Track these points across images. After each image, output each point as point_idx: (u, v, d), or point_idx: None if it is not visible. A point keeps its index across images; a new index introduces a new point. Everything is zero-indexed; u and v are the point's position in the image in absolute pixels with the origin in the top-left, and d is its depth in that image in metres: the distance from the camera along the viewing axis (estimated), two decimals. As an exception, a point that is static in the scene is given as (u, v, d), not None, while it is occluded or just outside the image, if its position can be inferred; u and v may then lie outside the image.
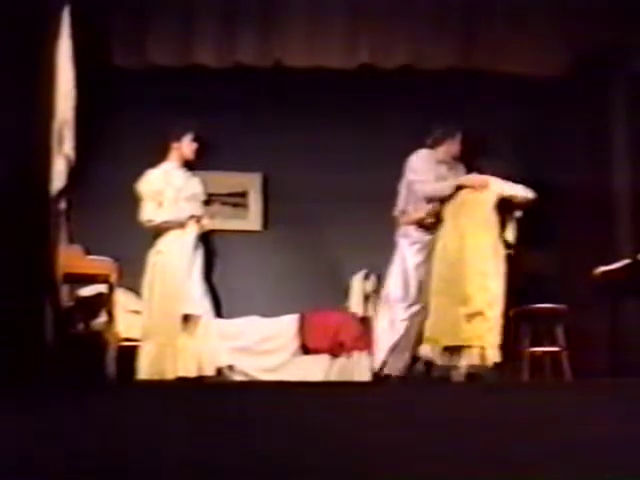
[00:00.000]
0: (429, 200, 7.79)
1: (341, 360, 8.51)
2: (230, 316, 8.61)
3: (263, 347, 8.52)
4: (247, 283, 8.97)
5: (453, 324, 7.31)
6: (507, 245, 7.49)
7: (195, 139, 7.93)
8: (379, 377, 7.82)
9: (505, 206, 7.48)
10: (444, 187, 7.73)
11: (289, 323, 8.61)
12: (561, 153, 8.63)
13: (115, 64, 7.98)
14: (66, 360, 6.02)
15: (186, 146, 7.92)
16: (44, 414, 3.76)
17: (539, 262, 7.69)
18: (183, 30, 7.97)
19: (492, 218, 7.41)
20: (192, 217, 7.78)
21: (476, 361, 7.26)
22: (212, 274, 8.33)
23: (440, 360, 7.40)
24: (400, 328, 7.79)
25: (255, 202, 9.36)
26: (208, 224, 7.94)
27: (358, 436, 2.91)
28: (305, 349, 8.55)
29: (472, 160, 8.10)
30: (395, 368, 7.80)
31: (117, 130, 8.71)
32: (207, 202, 8.15)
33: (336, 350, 8.51)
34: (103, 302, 7.51)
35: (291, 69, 8.19)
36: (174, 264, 7.63)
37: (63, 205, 6.79)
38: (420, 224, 7.91)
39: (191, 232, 7.76)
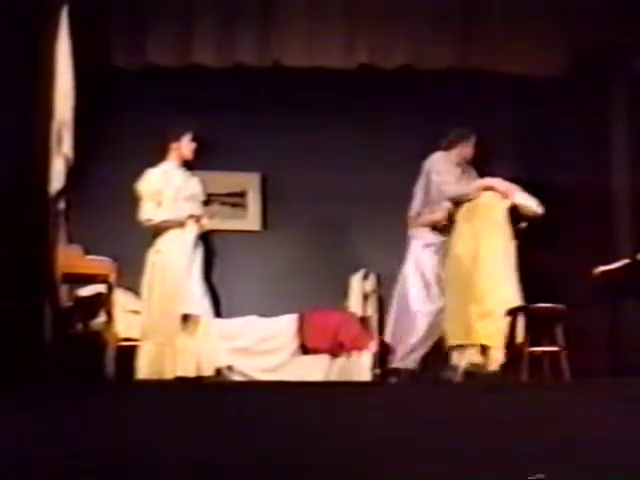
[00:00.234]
0: (453, 201, 7.74)
1: (341, 360, 8.51)
2: (229, 316, 8.60)
3: (262, 347, 8.51)
4: (246, 283, 8.98)
5: (465, 324, 7.34)
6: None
7: (194, 139, 7.92)
8: (391, 373, 7.82)
9: (513, 214, 7.50)
10: (470, 189, 7.69)
11: (288, 323, 8.60)
12: (561, 153, 8.63)
13: (114, 64, 7.98)
14: (65, 360, 6.01)
15: (185, 146, 7.91)
16: (43, 414, 3.76)
17: (538, 262, 7.68)
18: (183, 30, 7.97)
19: (504, 222, 7.43)
20: (191, 217, 7.77)
21: (479, 360, 7.27)
22: (211, 274, 8.32)
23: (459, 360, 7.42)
24: (421, 328, 7.78)
25: (254, 202, 9.36)
26: (207, 224, 7.93)
27: (358, 436, 2.91)
28: (304, 349, 8.54)
29: (482, 164, 8.09)
30: (409, 366, 7.81)
31: (116, 130, 8.71)
32: (206, 202, 8.14)
33: (335, 350, 8.50)
34: (102, 302, 7.50)
35: (290, 69, 8.19)
36: (173, 264, 7.62)
37: (62, 205, 6.78)
38: (435, 226, 7.89)
39: (190, 232, 7.75)
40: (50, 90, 6.35)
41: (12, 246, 5.83)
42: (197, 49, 7.98)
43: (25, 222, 5.91)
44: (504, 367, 7.22)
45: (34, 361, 5.62)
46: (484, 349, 7.31)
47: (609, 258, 7.52)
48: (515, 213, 7.50)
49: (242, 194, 9.35)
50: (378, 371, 8.40)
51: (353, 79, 8.47)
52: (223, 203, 9.23)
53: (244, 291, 8.89)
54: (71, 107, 6.75)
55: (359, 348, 8.46)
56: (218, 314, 8.33)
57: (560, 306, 7.41)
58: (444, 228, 7.80)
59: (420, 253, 7.97)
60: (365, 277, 8.93)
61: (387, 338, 8.09)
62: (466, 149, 8.04)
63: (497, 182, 7.62)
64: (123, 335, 7.79)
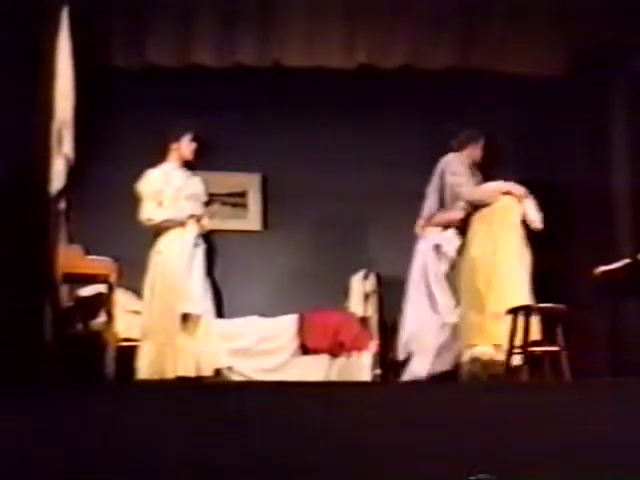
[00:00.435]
0: (471, 204, 7.71)
1: (341, 360, 8.51)
2: (230, 316, 8.61)
3: (262, 347, 8.51)
4: (246, 283, 8.98)
5: (480, 324, 7.35)
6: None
7: (194, 139, 7.92)
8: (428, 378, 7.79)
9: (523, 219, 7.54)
10: (489, 193, 7.66)
11: (289, 323, 8.61)
12: (561, 153, 8.63)
13: (115, 64, 7.99)
14: (65, 360, 6.02)
15: (185, 146, 7.90)
16: (43, 414, 3.75)
17: (538, 262, 7.67)
18: (183, 30, 7.98)
19: (520, 225, 7.46)
20: (192, 216, 7.76)
21: (491, 359, 7.30)
22: (212, 274, 8.32)
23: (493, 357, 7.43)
24: (447, 330, 7.78)
25: (254, 202, 9.37)
26: (208, 224, 7.92)
27: (358, 436, 2.91)
28: (305, 349, 8.54)
29: (487, 167, 8.08)
30: (439, 369, 7.80)
31: (117, 130, 8.72)
32: (207, 202, 8.13)
33: (336, 350, 8.50)
34: (102, 302, 7.50)
35: (290, 69, 8.20)
36: (174, 263, 7.61)
37: (62, 205, 6.78)
38: (450, 226, 7.87)
39: (191, 231, 7.74)
40: (50, 90, 6.35)
41: (12, 246, 5.83)
42: (197, 49, 7.98)
43: (25, 222, 5.90)
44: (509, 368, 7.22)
45: (34, 361, 5.62)
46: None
47: (609, 258, 7.51)
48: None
49: (242, 194, 9.36)
50: (378, 371, 8.41)
51: (353, 79, 8.48)
52: (224, 203, 9.23)
53: (244, 291, 8.89)
54: (71, 107, 6.74)
55: (359, 348, 8.47)
56: (220, 314, 8.34)
57: (560, 306, 7.40)
58: (461, 227, 7.77)
59: (429, 254, 7.92)
60: (365, 277, 8.93)
61: (403, 340, 8.02)
62: (475, 151, 8.04)
63: (514, 186, 7.62)
64: (123, 335, 7.79)
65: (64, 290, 7.02)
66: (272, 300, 8.91)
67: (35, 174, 6.10)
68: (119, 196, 7.92)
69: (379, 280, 8.87)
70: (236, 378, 8.32)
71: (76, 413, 3.81)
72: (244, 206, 9.37)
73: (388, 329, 8.57)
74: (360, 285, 8.93)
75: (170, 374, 7.46)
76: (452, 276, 7.82)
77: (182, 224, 7.72)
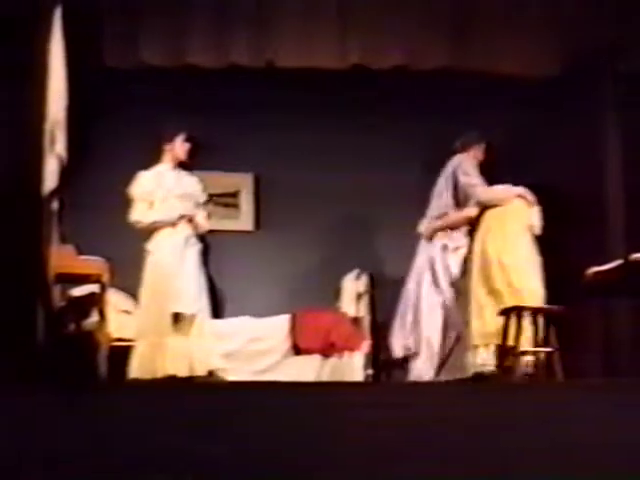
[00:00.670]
0: (482, 204, 7.70)
1: (333, 360, 8.51)
2: (221, 316, 8.60)
3: (254, 348, 8.50)
4: (238, 283, 8.97)
5: (490, 322, 7.36)
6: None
7: (187, 139, 7.89)
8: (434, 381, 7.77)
9: None
10: (504, 194, 7.65)
11: (281, 323, 8.60)
12: (556, 154, 8.63)
13: (108, 64, 7.96)
14: (58, 360, 6.01)
15: (178, 147, 7.86)
16: (35, 414, 3.74)
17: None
18: (176, 30, 7.96)
19: (528, 229, 7.49)
20: (183, 216, 7.71)
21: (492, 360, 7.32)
22: (208, 273, 8.31)
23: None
24: (456, 330, 7.77)
25: (247, 202, 9.37)
26: (205, 224, 7.85)
27: (356, 436, 2.91)
28: (297, 349, 8.54)
29: (487, 170, 8.08)
30: (452, 373, 7.78)
31: (110, 130, 8.70)
32: (205, 202, 8.08)
33: (328, 350, 8.50)
34: (95, 302, 7.49)
35: (284, 70, 8.19)
36: (165, 263, 7.59)
37: (55, 205, 6.77)
38: (459, 225, 7.85)
39: (182, 231, 7.70)
40: (43, 90, 6.34)
41: (5, 246, 5.82)
42: (191, 50, 7.97)
43: (18, 222, 5.90)
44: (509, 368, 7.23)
45: (26, 361, 5.61)
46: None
47: (602, 259, 7.52)
48: None
49: (235, 194, 9.35)
50: (370, 371, 8.41)
51: (347, 79, 8.47)
52: (216, 203, 9.22)
53: (236, 291, 8.88)
54: (64, 107, 6.74)
55: (351, 348, 8.47)
56: (217, 313, 8.31)
57: (553, 307, 7.41)
58: (473, 226, 7.75)
59: (436, 253, 7.89)
60: (358, 277, 8.93)
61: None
62: (478, 153, 8.04)
63: (527, 192, 7.64)
64: (116, 335, 7.78)
65: (56, 290, 7.01)
66: (264, 300, 8.91)
67: (28, 174, 6.10)
68: (112, 196, 7.90)
69: (371, 280, 8.87)
70: (228, 378, 8.30)
71: (68, 413, 3.80)
72: (236, 206, 9.37)
73: (380, 329, 8.57)
74: (352, 285, 8.94)
75: (162, 374, 7.43)
76: (462, 275, 7.80)
77: (173, 224, 7.68)
